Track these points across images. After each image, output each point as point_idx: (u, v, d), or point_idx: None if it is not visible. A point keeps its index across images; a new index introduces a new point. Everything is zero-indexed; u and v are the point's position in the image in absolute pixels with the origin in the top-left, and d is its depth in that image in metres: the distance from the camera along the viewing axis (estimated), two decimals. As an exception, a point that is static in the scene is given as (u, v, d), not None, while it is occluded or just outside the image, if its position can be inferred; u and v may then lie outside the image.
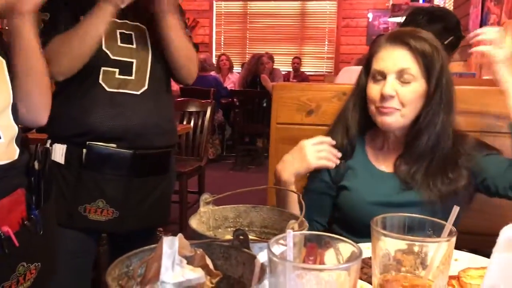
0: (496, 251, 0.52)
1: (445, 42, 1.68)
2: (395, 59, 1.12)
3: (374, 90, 1.14)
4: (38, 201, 0.99)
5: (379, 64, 1.14)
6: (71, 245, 1.34)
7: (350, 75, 2.09)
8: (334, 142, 1.19)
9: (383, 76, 1.12)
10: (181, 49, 1.38)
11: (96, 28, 1.24)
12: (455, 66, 4.08)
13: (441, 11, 1.92)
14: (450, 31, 1.75)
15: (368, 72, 1.18)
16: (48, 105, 1.08)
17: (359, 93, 1.21)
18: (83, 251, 1.38)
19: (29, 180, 0.97)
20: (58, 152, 1.30)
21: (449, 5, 5.95)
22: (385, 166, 1.21)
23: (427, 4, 4.70)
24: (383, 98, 1.11)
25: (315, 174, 1.23)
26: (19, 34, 0.98)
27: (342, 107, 1.27)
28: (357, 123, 1.21)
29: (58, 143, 1.31)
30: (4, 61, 0.96)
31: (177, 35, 1.35)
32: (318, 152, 1.17)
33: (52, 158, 1.30)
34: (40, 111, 1.07)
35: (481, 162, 1.13)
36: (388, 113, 1.12)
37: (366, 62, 1.21)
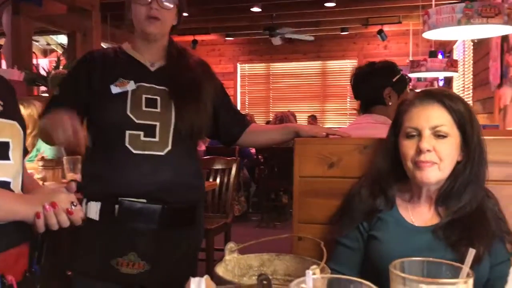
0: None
1: (394, 80, 1.87)
2: (429, 115, 1.14)
3: (409, 146, 1.15)
4: (40, 257, 1.08)
5: (412, 121, 1.16)
6: None
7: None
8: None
9: (418, 132, 1.14)
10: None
11: None
12: (480, 119, 4.07)
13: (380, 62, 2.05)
14: (396, 72, 1.92)
15: (397, 131, 1.21)
16: None
17: (388, 150, 1.23)
18: None
19: (35, 237, 1.06)
20: (93, 209, 1.37)
21: (469, 59, 6.04)
22: (416, 219, 1.20)
23: (443, 61, 4.79)
24: (421, 152, 1.12)
25: (350, 223, 1.22)
26: None
27: (371, 163, 1.30)
28: (389, 176, 1.22)
29: (92, 201, 1.38)
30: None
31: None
32: None
33: (87, 215, 1.37)
34: None
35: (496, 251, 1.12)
36: (427, 167, 1.12)
37: (394, 121, 1.24)
